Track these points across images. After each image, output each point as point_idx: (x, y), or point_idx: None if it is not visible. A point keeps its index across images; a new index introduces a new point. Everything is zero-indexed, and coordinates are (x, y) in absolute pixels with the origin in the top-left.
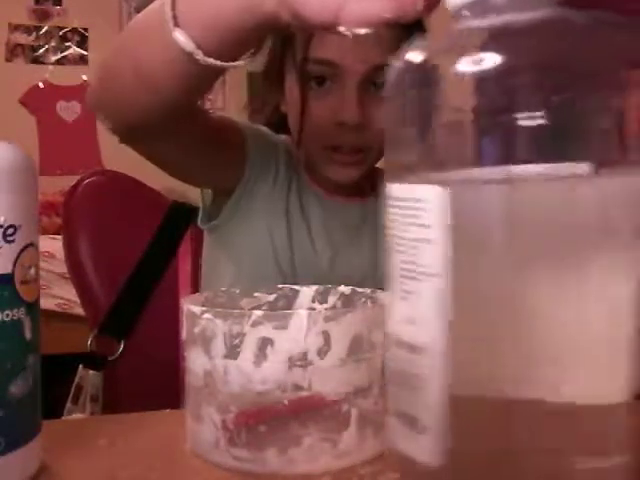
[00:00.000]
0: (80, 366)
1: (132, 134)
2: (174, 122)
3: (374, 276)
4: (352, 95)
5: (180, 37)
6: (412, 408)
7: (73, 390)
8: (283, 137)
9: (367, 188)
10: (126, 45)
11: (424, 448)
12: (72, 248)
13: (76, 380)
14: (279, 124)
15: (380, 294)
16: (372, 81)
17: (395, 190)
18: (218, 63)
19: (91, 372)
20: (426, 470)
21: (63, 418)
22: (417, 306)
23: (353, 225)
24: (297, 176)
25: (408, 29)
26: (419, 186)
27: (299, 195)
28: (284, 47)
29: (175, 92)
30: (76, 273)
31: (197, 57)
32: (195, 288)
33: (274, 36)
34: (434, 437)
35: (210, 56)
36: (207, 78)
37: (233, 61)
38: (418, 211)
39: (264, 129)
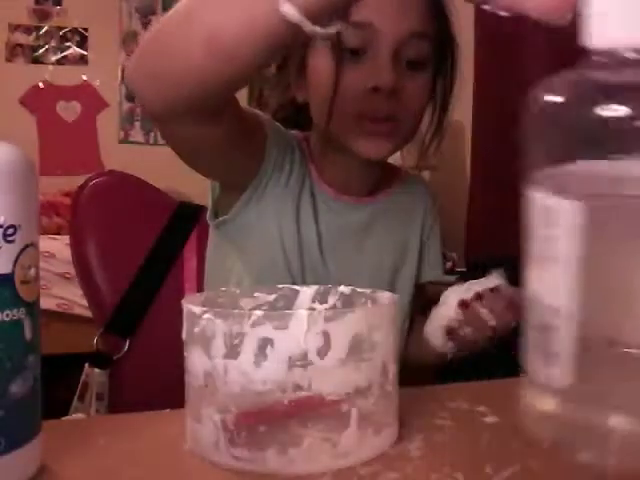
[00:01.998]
0: (86, 364)
1: (174, 112)
2: (228, 99)
3: (378, 277)
4: (387, 60)
5: (290, 10)
6: (549, 348)
7: (79, 388)
8: (294, 133)
9: (379, 186)
10: (193, 15)
11: (557, 375)
12: (79, 248)
13: (82, 378)
14: (285, 119)
15: (380, 294)
16: (406, 54)
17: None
18: (322, 31)
19: (97, 370)
20: (560, 389)
21: (65, 418)
22: (553, 278)
23: (361, 227)
24: (309, 175)
25: (441, 11)
26: (558, 199)
27: (311, 195)
28: None
29: (253, 60)
30: (83, 272)
31: (305, 27)
32: (201, 287)
33: None
34: (566, 366)
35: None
36: (293, 44)
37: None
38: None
39: (279, 125)
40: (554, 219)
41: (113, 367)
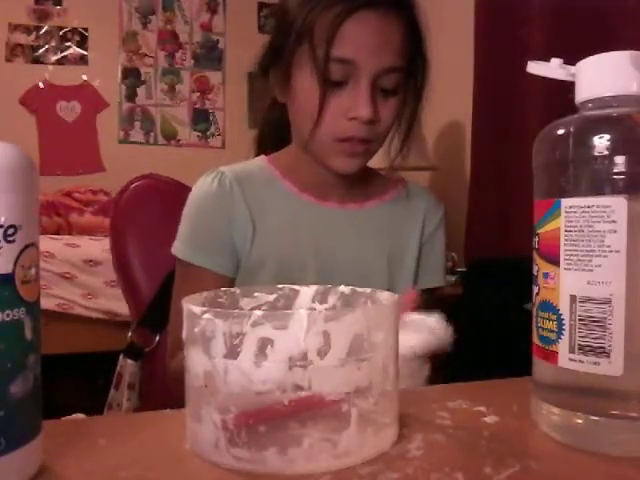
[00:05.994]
0: (121, 355)
1: None
2: None
3: (371, 280)
4: (366, 93)
5: None
6: (599, 340)
7: (115, 378)
8: (253, 168)
9: (369, 194)
10: None
11: (609, 364)
12: (119, 246)
13: (117, 369)
14: (280, 120)
15: (380, 294)
16: (381, 84)
17: (579, 201)
18: None
19: (129, 361)
20: (612, 378)
21: (65, 418)
22: (601, 272)
23: (348, 231)
24: (286, 190)
25: (415, 39)
26: (606, 197)
27: (294, 208)
28: (299, 42)
29: None
30: (122, 269)
31: None
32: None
33: (287, 30)
34: (618, 355)
35: None
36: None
37: None
38: (606, 212)
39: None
40: (602, 216)
41: (144, 359)
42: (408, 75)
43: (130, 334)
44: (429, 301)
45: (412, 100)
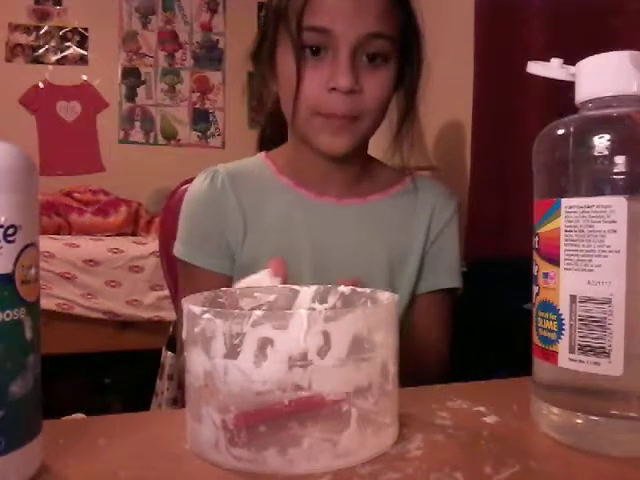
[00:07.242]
0: (163, 347)
1: None
2: None
3: (373, 276)
4: (345, 62)
5: None
6: (599, 340)
7: (160, 368)
8: (250, 164)
9: (372, 189)
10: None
11: (609, 364)
12: (168, 244)
13: (162, 360)
14: (282, 119)
15: (380, 294)
16: (364, 51)
17: (579, 201)
18: None
19: (169, 354)
20: (612, 378)
21: (65, 417)
22: (601, 272)
23: (348, 227)
24: (285, 187)
25: (404, 10)
26: (606, 197)
27: (290, 203)
28: (277, 20)
29: None
30: (169, 266)
31: None
32: None
33: (269, 11)
34: (618, 355)
35: None
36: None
37: None
38: (606, 212)
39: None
40: (602, 216)
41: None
42: (402, 49)
43: (172, 328)
44: (447, 304)
45: (409, 78)
